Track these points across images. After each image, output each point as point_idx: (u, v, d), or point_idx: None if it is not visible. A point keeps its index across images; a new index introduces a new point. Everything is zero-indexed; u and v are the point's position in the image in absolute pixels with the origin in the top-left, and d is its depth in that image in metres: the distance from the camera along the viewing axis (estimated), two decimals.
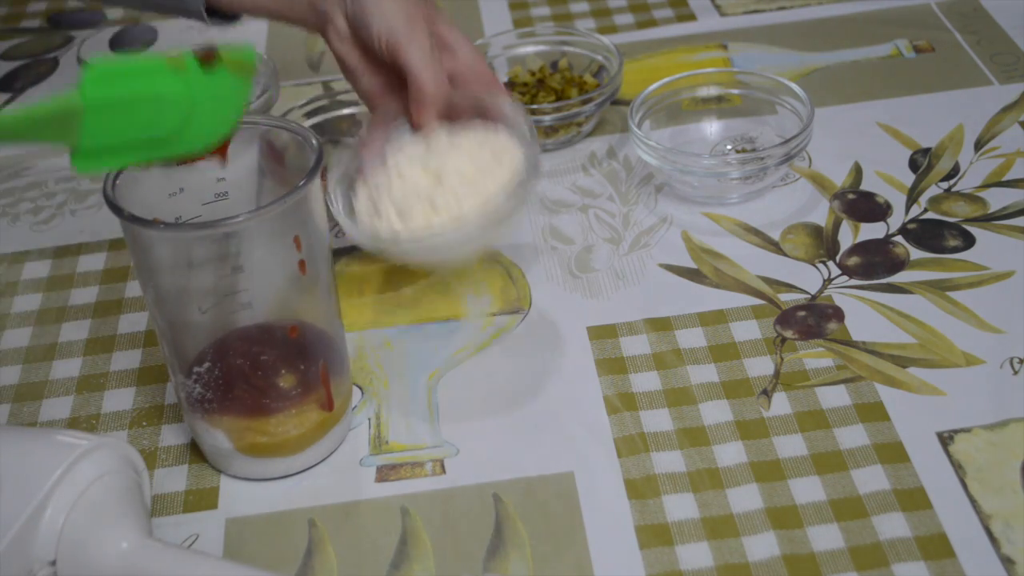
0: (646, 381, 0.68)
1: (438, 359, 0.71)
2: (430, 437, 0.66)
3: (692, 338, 0.71)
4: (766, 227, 0.78)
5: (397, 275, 0.77)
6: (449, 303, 0.75)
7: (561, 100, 0.87)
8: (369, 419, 0.68)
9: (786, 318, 0.71)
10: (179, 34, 1.07)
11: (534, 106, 0.84)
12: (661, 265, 0.76)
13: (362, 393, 0.69)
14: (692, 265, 0.76)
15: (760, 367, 0.68)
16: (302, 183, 0.57)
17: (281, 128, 0.62)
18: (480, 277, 0.77)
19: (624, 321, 0.72)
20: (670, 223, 0.80)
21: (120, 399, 0.70)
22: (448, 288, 0.76)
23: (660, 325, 0.72)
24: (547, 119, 0.84)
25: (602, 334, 0.71)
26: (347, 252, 0.80)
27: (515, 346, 0.71)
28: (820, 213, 0.79)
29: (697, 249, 0.77)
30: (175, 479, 0.65)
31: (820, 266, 0.75)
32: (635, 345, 0.70)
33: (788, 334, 0.70)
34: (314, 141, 0.60)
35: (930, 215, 0.78)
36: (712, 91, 0.88)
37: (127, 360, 0.73)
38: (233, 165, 0.61)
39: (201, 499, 0.64)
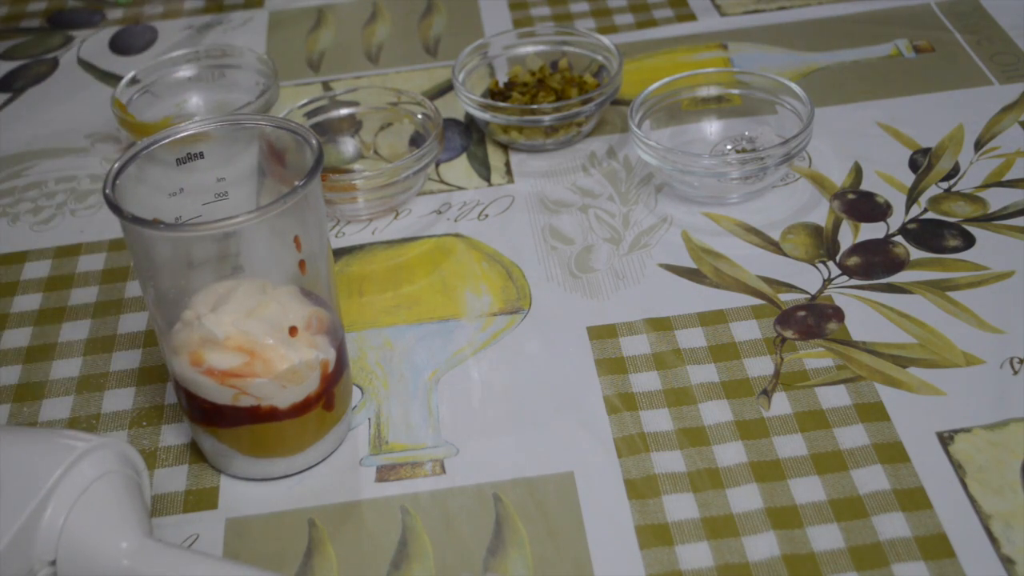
0: (646, 381, 0.68)
1: (438, 359, 0.71)
2: (430, 437, 0.66)
3: (692, 338, 0.71)
4: (766, 227, 0.78)
5: (397, 275, 0.77)
6: (449, 303, 0.75)
7: (561, 100, 0.87)
8: (369, 419, 0.68)
9: (786, 318, 0.71)
10: (178, 33, 1.07)
11: (534, 106, 0.84)
12: (661, 265, 0.76)
13: (362, 393, 0.69)
14: (692, 265, 0.76)
15: (760, 367, 0.68)
16: (302, 183, 0.57)
17: (281, 128, 0.62)
18: (480, 277, 0.77)
19: (624, 321, 0.72)
20: (670, 223, 0.80)
21: (120, 399, 0.70)
22: (448, 288, 0.76)
23: (660, 325, 0.72)
24: (547, 119, 0.84)
25: (602, 334, 0.71)
26: (347, 252, 0.80)
27: (515, 346, 0.71)
28: (820, 213, 0.79)
29: (697, 249, 0.77)
30: (175, 479, 0.65)
31: (820, 266, 0.75)
32: (635, 345, 0.70)
33: (788, 334, 0.70)
34: (314, 141, 0.60)
35: (930, 215, 0.78)
36: (712, 91, 0.88)
37: (127, 360, 0.73)
38: (233, 165, 0.61)
39: (201, 499, 0.64)
